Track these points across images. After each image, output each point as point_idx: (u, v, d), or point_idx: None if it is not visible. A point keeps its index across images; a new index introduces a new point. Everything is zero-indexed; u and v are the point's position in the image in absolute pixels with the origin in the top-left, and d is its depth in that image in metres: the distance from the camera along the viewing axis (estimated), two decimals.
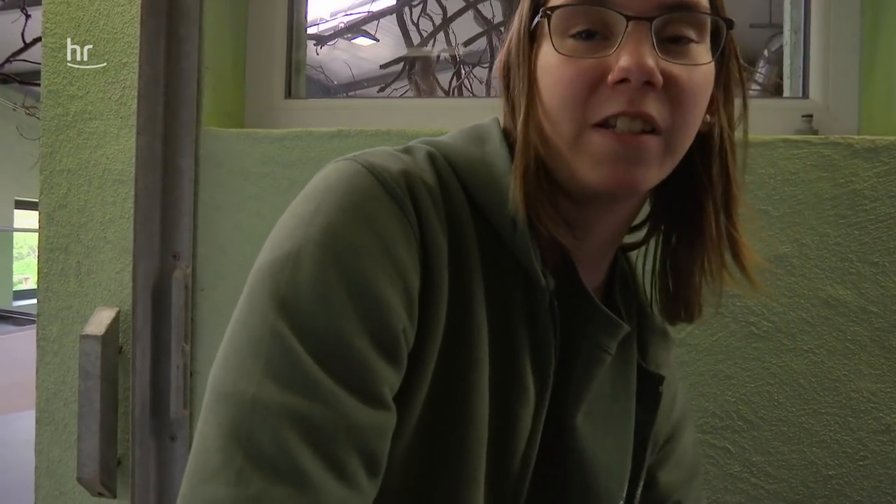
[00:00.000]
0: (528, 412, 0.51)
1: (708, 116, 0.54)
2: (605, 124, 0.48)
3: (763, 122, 1.11)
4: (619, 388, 0.62)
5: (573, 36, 0.49)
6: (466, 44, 2.91)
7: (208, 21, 1.14)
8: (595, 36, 0.49)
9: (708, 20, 0.50)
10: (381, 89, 2.93)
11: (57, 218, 1.16)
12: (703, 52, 0.50)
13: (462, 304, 0.48)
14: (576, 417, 0.56)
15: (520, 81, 0.52)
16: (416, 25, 2.99)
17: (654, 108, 0.47)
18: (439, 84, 3.15)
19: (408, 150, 0.53)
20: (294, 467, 0.38)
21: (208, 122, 1.14)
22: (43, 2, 1.15)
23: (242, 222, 1.13)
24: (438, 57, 3.17)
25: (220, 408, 0.40)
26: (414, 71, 3.05)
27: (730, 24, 0.51)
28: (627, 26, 0.47)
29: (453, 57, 3.16)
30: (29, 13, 3.36)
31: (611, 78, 0.47)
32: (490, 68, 3.17)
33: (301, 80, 1.33)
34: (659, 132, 0.48)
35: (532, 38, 0.53)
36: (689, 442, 0.75)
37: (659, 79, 0.46)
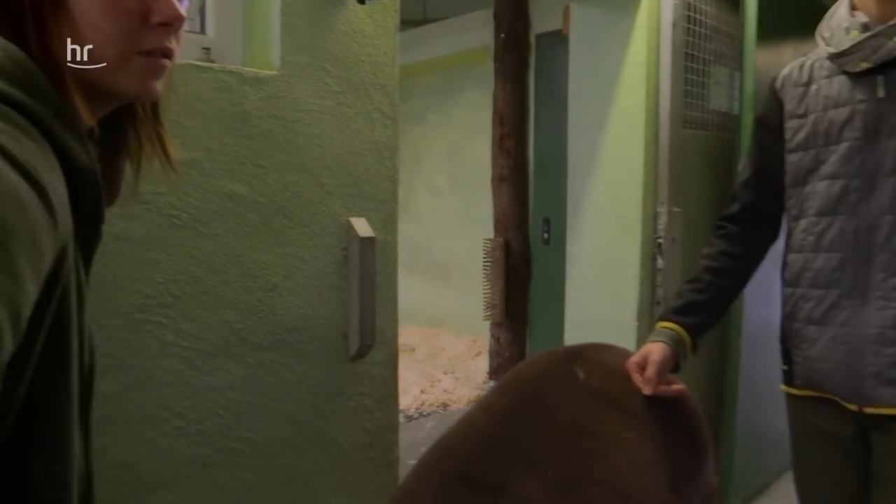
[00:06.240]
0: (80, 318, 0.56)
1: None
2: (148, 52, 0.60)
3: None
4: None
5: None
6: None
7: None
8: None
9: None
10: None
11: None
12: None
13: (67, 257, 0.50)
14: None
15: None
16: None
17: (174, 43, 0.62)
18: None
19: None
20: None
21: None
22: None
23: None
24: None
25: None
26: None
27: None
28: None
29: None
30: None
31: (156, 19, 0.58)
32: None
33: None
34: (171, 58, 0.63)
35: None
36: None
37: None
